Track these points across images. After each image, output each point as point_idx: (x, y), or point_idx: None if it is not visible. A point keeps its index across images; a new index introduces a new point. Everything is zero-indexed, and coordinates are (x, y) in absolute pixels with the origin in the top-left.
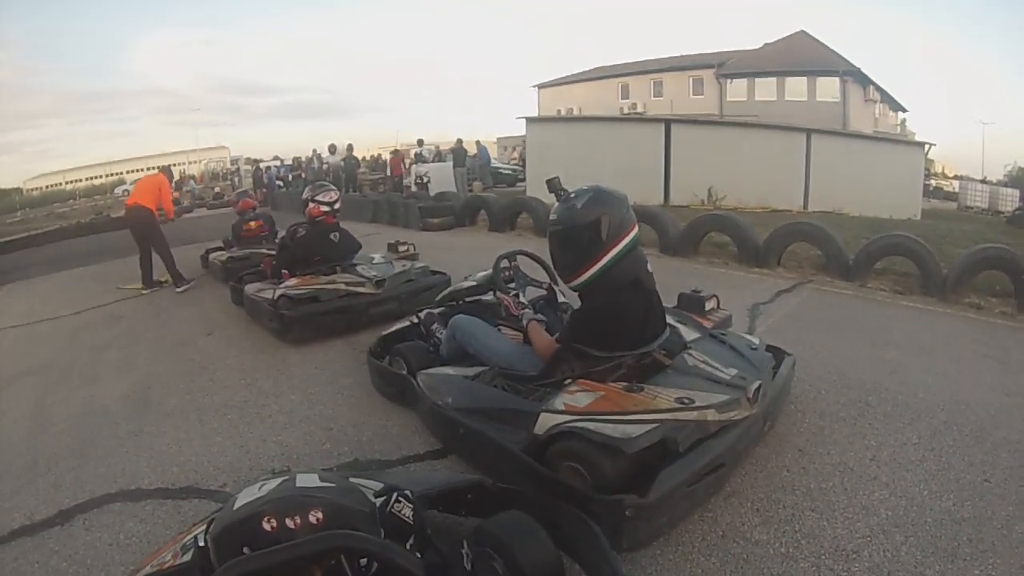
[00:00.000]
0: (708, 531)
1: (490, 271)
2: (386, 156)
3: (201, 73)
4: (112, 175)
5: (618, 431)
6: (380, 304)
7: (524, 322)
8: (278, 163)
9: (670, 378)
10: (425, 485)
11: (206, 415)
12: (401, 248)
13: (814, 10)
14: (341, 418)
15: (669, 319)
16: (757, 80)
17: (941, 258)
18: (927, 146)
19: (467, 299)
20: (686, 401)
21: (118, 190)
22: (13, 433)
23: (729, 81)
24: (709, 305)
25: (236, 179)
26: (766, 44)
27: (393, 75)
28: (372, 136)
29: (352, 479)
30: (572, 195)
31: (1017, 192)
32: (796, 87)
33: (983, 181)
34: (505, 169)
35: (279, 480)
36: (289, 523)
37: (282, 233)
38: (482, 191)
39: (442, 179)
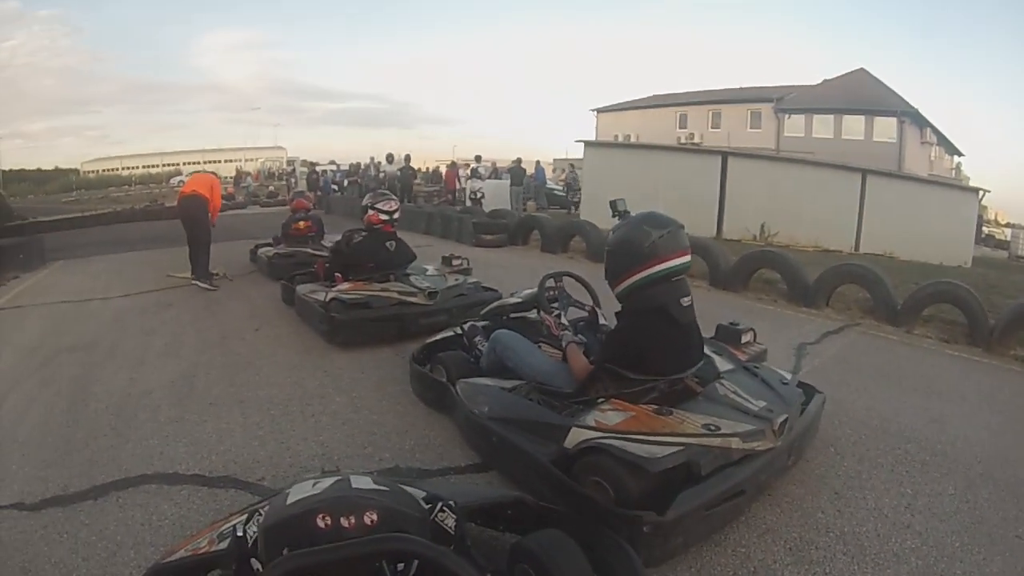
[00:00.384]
0: (740, 567)
1: (535, 289)
2: (443, 169)
3: (263, 73)
4: (168, 165)
5: (644, 450)
6: (431, 316)
7: (563, 343)
8: (334, 167)
9: (700, 405)
10: (467, 497)
11: (249, 408)
12: (455, 262)
13: (874, 48)
14: (385, 424)
15: (706, 349)
16: (815, 117)
17: (989, 308)
18: (981, 192)
19: (511, 315)
20: (712, 428)
21: (173, 180)
22: (54, 406)
23: (787, 116)
24: (745, 338)
25: (292, 180)
26: (825, 80)
27: (455, 91)
28: (429, 148)
29: (400, 485)
30: (631, 214)
31: None
32: (853, 125)
33: None
34: (560, 191)
35: (333, 479)
36: (344, 522)
37: (334, 237)
38: (535, 211)
39: (497, 196)
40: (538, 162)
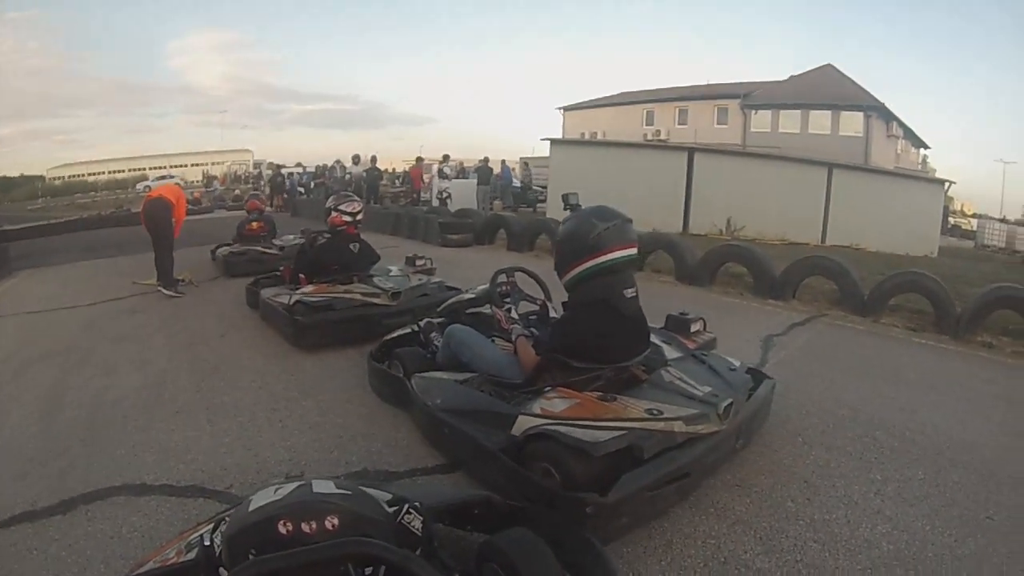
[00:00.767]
0: (711, 557)
1: (488, 285)
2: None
3: (233, 75)
4: (134, 170)
5: (588, 435)
6: (394, 316)
7: (513, 336)
8: (300, 170)
9: (644, 391)
10: (434, 498)
11: (216, 415)
12: (419, 262)
13: (841, 43)
14: (351, 427)
15: (654, 338)
16: (782, 112)
17: (956, 297)
18: (947, 184)
19: (466, 311)
20: (655, 412)
21: (139, 186)
22: (26, 416)
23: (754, 112)
24: (695, 327)
25: (261, 183)
26: (792, 76)
27: (425, 91)
28: (396, 149)
29: (363, 488)
30: (582, 207)
31: None
32: (820, 120)
33: (1002, 220)
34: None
35: (295, 485)
36: (305, 528)
37: (287, 236)
38: (502, 210)
39: (464, 196)
40: (503, 161)
